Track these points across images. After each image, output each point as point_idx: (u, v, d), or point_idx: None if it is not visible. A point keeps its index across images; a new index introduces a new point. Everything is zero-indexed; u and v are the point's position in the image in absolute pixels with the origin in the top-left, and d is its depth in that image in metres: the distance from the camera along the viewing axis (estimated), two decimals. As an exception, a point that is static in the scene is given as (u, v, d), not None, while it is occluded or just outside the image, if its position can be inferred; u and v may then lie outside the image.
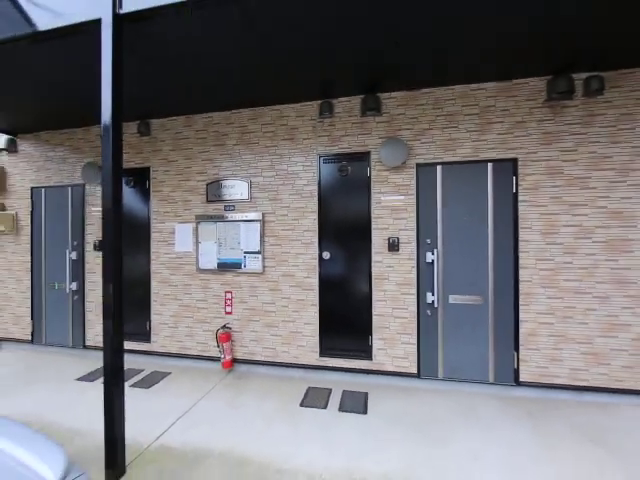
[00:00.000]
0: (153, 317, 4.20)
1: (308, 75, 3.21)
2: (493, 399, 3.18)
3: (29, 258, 4.70)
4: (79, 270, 4.47)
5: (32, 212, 4.70)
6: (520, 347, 3.23)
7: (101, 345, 4.36)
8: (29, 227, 4.71)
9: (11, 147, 4.76)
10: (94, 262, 4.44)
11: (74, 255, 4.46)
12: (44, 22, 2.35)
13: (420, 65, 3.05)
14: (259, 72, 3.13)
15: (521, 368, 3.23)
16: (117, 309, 2.24)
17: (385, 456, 2.39)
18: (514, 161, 3.26)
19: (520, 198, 3.24)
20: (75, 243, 4.49)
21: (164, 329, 4.17)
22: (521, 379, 3.23)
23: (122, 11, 2.21)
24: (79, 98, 3.67)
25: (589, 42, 2.71)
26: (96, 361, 4.16)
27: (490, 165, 3.31)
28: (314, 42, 2.66)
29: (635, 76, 3.07)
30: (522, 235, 3.23)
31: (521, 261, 3.22)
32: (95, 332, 4.41)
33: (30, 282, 4.68)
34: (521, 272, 3.22)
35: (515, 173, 3.26)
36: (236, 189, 3.92)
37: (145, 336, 4.18)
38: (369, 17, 2.35)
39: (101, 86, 2.22)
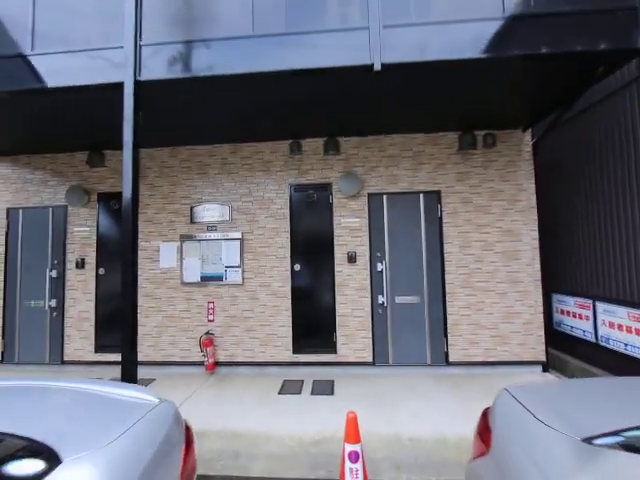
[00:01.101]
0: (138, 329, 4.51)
1: (282, 126, 4.06)
2: (430, 377, 4.07)
3: (1, 277, 4.76)
4: (59, 287, 4.66)
5: (7, 232, 4.81)
6: (448, 335, 4.20)
7: (80, 359, 4.59)
8: (3, 247, 4.80)
9: (-14, 169, 4.87)
10: (75, 279, 4.67)
11: (54, 273, 4.66)
12: (72, 79, 2.90)
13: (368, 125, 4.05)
14: (242, 126, 3.90)
15: (450, 351, 4.19)
16: (133, 321, 2.74)
17: (348, 419, 3.10)
18: (438, 193, 4.34)
19: (444, 220, 4.31)
20: (55, 262, 4.69)
21: (147, 339, 4.51)
22: (450, 360, 4.18)
23: (140, 78, 2.86)
24: (70, 129, 4.11)
25: (484, 112, 3.89)
26: (76, 375, 4.36)
27: (422, 195, 4.36)
28: (289, 112, 3.53)
29: (515, 135, 4.35)
30: (446, 248, 4.27)
31: (446, 268, 4.25)
32: (74, 347, 4.59)
33: (2, 301, 4.73)
34: (446, 276, 4.24)
35: (439, 202, 4.33)
36: (218, 212, 4.53)
37: (128, 347, 4.47)
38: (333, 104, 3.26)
39: (123, 132, 2.81)
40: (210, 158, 4.63)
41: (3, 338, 4.68)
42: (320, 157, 4.49)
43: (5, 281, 4.76)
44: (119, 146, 4.64)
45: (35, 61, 3.01)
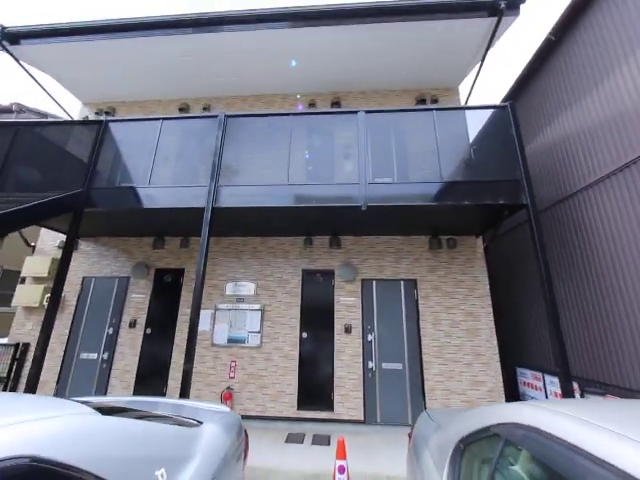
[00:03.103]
0: (170, 382, 5.50)
1: (299, 228, 5.69)
2: (411, 435, 4.86)
3: (67, 332, 5.94)
4: (112, 343, 5.79)
5: (79, 295, 6.15)
6: (426, 398, 5.10)
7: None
8: (73, 307, 6.09)
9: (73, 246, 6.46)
10: (126, 337, 5.83)
11: (111, 330, 5.85)
12: (173, 203, 4.59)
13: (363, 229, 5.68)
14: (271, 227, 5.54)
15: (427, 413, 5.03)
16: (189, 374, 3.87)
17: (341, 461, 3.94)
18: (415, 281, 5.72)
19: (419, 302, 5.59)
20: (113, 321, 5.92)
21: (177, 391, 5.43)
22: (428, 421, 4.99)
23: (216, 205, 4.53)
24: (148, 225, 5.77)
25: (444, 225, 5.50)
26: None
27: (402, 282, 5.74)
28: (306, 223, 5.18)
29: (470, 240, 5.90)
30: (422, 325, 5.46)
31: (422, 341, 5.37)
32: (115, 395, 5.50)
33: (63, 352, 5.82)
34: (423, 348, 5.34)
35: (416, 288, 5.68)
36: (246, 287, 5.90)
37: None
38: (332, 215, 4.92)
39: (202, 233, 4.35)
40: (244, 246, 6.20)
41: (57, 384, 5.63)
42: (326, 250, 6.03)
43: (69, 336, 5.92)
44: (177, 234, 6.29)
45: (149, 191, 4.76)
